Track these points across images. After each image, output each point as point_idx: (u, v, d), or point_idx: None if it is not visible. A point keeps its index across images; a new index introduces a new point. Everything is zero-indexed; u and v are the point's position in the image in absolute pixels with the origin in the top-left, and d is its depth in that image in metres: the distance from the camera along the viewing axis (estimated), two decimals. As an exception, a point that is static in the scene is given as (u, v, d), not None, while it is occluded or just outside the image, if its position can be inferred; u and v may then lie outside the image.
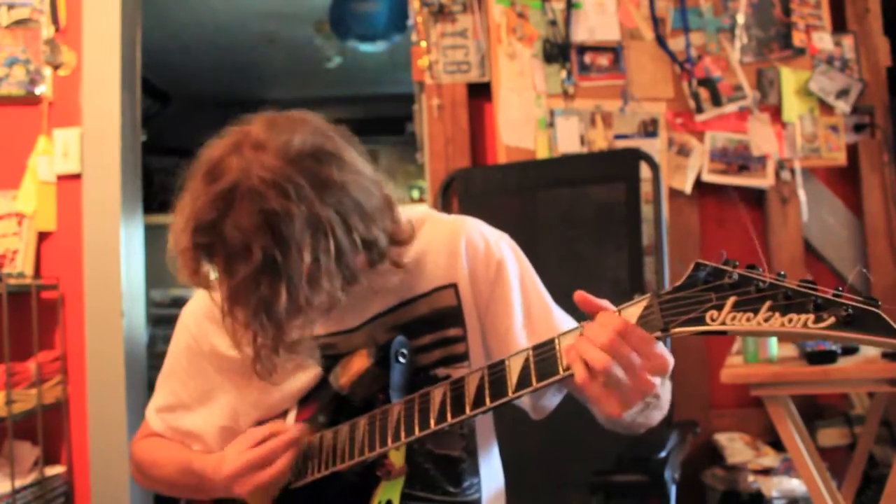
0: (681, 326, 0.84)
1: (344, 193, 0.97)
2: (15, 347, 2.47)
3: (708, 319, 0.82)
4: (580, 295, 0.91)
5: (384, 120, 5.36)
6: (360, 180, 1.01)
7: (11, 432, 2.44)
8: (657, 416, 1.07)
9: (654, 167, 2.26)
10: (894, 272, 2.62)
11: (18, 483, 2.41)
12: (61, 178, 2.70)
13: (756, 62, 2.69)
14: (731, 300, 0.80)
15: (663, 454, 1.69)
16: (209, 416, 1.26)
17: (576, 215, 2.27)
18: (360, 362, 1.11)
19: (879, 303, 0.73)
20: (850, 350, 1.95)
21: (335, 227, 0.95)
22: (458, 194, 2.43)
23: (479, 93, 2.74)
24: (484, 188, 2.42)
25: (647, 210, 2.30)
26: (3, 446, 2.56)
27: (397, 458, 1.11)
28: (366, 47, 4.12)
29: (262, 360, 1.02)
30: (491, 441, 1.27)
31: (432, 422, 1.01)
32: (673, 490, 1.67)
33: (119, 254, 2.69)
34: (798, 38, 2.68)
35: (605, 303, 0.91)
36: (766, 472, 2.40)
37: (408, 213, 1.15)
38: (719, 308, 0.81)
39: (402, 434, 1.04)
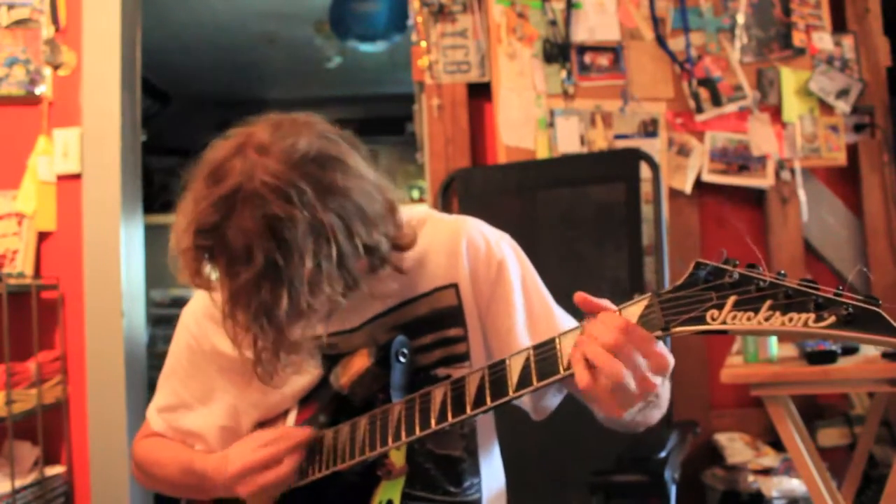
0: (682, 326, 0.84)
1: (347, 199, 0.97)
2: (15, 347, 2.48)
3: (709, 319, 0.82)
4: (580, 296, 0.91)
5: (384, 120, 5.36)
6: (364, 185, 1.01)
7: (11, 432, 2.44)
8: (656, 414, 1.07)
9: (654, 167, 2.26)
10: (894, 272, 2.62)
11: (18, 483, 2.41)
12: (61, 178, 2.70)
13: (756, 62, 2.69)
14: (732, 299, 0.81)
15: (663, 454, 1.69)
16: (210, 415, 1.26)
17: (576, 215, 2.27)
18: (360, 362, 1.11)
19: (880, 302, 0.73)
20: (850, 350, 1.95)
21: (337, 233, 0.95)
22: (458, 194, 2.43)
23: (479, 93, 2.74)
24: (484, 188, 2.43)
25: (647, 210, 2.30)
26: (3, 446, 2.56)
27: (398, 457, 1.11)
28: (366, 47, 4.12)
29: (262, 364, 1.02)
30: (492, 441, 1.27)
31: (433, 421, 1.01)
32: (673, 490, 1.67)
33: (119, 254, 2.69)
34: (798, 38, 2.68)
35: (605, 303, 0.91)
36: (766, 472, 2.40)
37: (408, 213, 1.14)
38: (720, 307, 0.81)
39: (403, 434, 1.04)
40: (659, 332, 0.86)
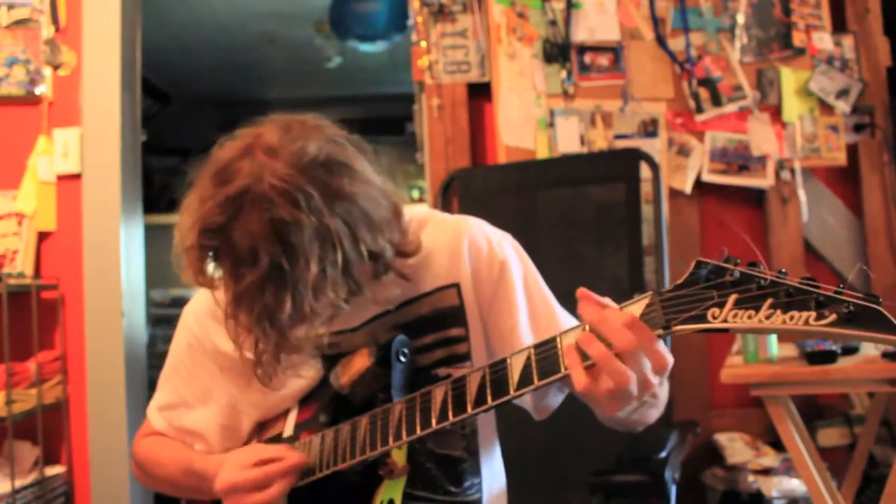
0: (683, 324, 0.84)
1: (353, 204, 0.97)
2: (15, 347, 2.48)
3: (710, 317, 0.81)
4: (582, 291, 0.90)
5: (384, 120, 5.36)
6: (370, 191, 1.00)
7: (11, 432, 2.44)
8: (654, 414, 1.07)
9: (654, 167, 2.26)
10: (894, 272, 2.62)
11: (18, 483, 2.41)
12: (61, 178, 2.70)
13: (756, 62, 2.69)
14: (733, 298, 0.80)
15: (663, 454, 1.69)
16: (210, 415, 1.26)
17: (576, 215, 2.27)
18: (360, 362, 1.11)
19: (881, 300, 0.73)
20: (850, 350, 1.95)
21: (343, 239, 0.95)
22: (458, 194, 2.43)
23: (479, 93, 2.74)
24: (484, 188, 2.42)
25: (647, 210, 2.30)
26: (3, 446, 2.56)
27: (399, 457, 1.11)
28: (366, 47, 4.12)
29: (262, 366, 1.02)
30: (493, 441, 1.27)
31: (434, 421, 1.01)
32: (673, 490, 1.67)
33: (119, 254, 2.69)
34: (798, 38, 2.68)
35: (606, 300, 0.91)
36: (766, 472, 2.40)
37: (410, 213, 1.14)
38: (721, 306, 0.81)
39: (404, 433, 1.04)
40: (660, 331, 0.85)
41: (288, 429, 1.20)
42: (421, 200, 5.33)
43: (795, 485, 2.32)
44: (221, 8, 4.39)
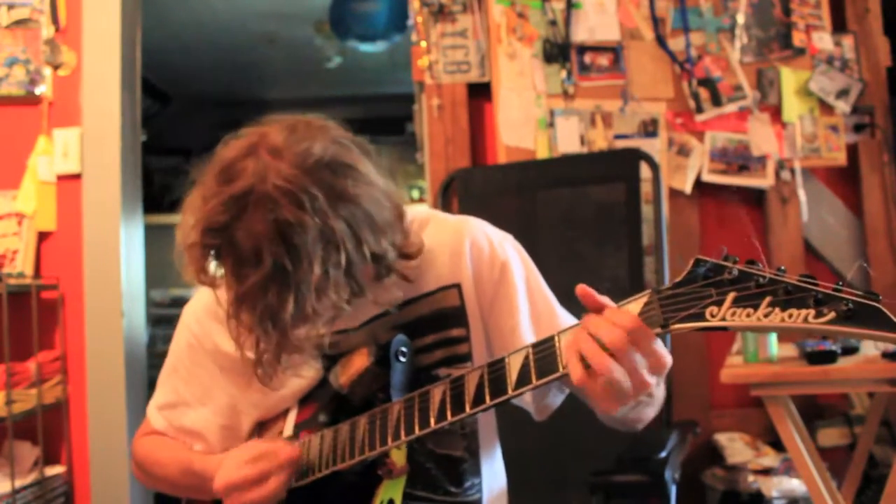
0: (681, 322, 0.83)
1: (357, 206, 0.97)
2: (15, 347, 2.47)
3: (708, 315, 0.81)
4: (582, 288, 0.90)
5: (384, 120, 5.36)
6: (374, 193, 1.00)
7: (11, 432, 2.44)
8: (650, 412, 1.07)
9: (654, 167, 2.26)
10: (894, 272, 2.62)
11: (18, 483, 2.41)
12: (61, 178, 2.70)
13: (756, 62, 2.69)
14: (731, 296, 0.80)
15: (663, 454, 1.69)
16: (210, 414, 1.26)
17: (576, 215, 2.27)
18: (360, 361, 1.11)
19: (880, 297, 0.73)
20: (850, 350, 1.95)
21: (346, 241, 0.95)
22: (458, 194, 2.43)
23: (479, 93, 2.74)
24: (484, 188, 2.42)
25: (647, 210, 2.30)
26: (3, 446, 2.56)
27: (399, 457, 1.11)
28: (366, 47, 4.12)
29: (263, 366, 1.02)
30: (493, 441, 1.27)
31: (432, 420, 1.01)
32: (673, 490, 1.67)
33: (119, 254, 2.69)
34: (798, 38, 2.68)
35: (605, 299, 0.91)
36: (766, 472, 2.40)
37: (411, 213, 1.14)
38: (719, 304, 0.81)
39: (403, 433, 1.04)
40: (658, 329, 0.85)
41: (287, 428, 1.20)
42: (421, 200, 5.33)
43: (795, 485, 2.32)
44: (221, 8, 4.39)
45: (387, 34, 3.98)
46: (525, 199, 2.33)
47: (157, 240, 2.97)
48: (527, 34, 2.69)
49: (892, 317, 0.72)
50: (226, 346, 1.21)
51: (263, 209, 0.93)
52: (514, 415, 1.23)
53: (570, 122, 2.65)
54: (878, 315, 0.73)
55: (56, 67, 2.72)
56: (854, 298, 0.74)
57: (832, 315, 0.74)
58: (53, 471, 2.59)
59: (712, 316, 0.81)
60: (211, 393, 1.26)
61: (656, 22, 2.69)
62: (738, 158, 2.65)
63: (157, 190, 5.40)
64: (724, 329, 0.81)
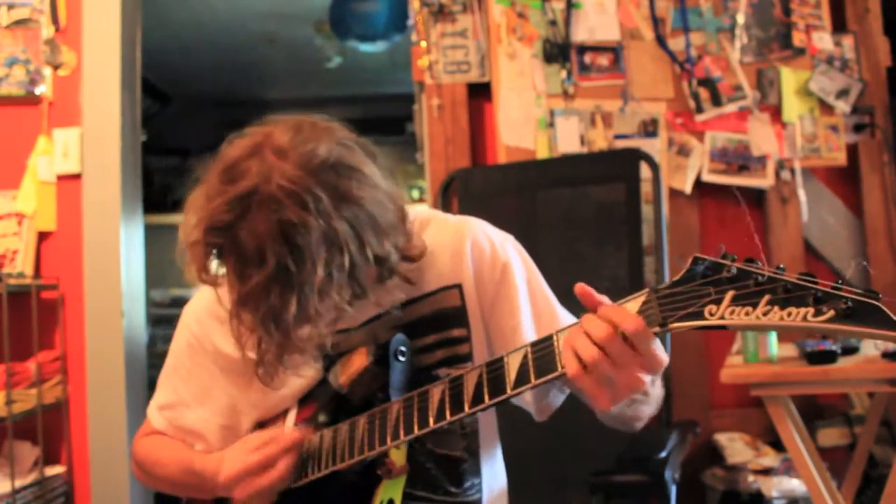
0: (679, 321, 0.83)
1: (361, 208, 0.97)
2: (15, 347, 2.47)
3: (706, 314, 0.81)
4: (581, 287, 0.90)
5: (384, 120, 5.36)
6: (378, 195, 1.00)
7: (11, 432, 2.44)
8: (648, 410, 1.07)
9: (654, 167, 2.26)
10: (894, 272, 2.62)
11: (18, 483, 2.41)
12: (61, 178, 2.70)
13: (756, 62, 2.69)
14: (730, 294, 0.80)
15: (663, 454, 1.69)
16: (210, 414, 1.26)
17: (576, 215, 2.27)
18: (359, 361, 1.11)
19: (879, 295, 0.73)
20: (850, 350, 1.95)
21: (349, 242, 0.95)
22: (458, 194, 2.43)
23: (479, 93, 2.74)
24: (484, 188, 2.42)
25: (647, 210, 2.30)
26: (3, 446, 2.56)
27: (398, 456, 1.11)
28: (366, 47, 4.12)
29: (264, 366, 1.02)
30: (494, 442, 1.27)
31: (431, 420, 1.01)
32: (673, 490, 1.67)
33: (119, 254, 2.70)
34: (798, 38, 2.68)
35: (604, 298, 0.91)
36: (766, 472, 2.39)
37: (412, 213, 1.14)
38: (718, 302, 0.81)
39: (402, 432, 1.04)
40: (657, 328, 0.85)
41: (287, 428, 1.20)
42: (421, 200, 5.33)
43: (795, 485, 2.32)
44: (221, 8, 4.39)
45: (387, 34, 3.98)
46: (525, 199, 2.33)
47: (157, 240, 2.97)
48: (527, 34, 2.69)
49: (892, 315, 0.72)
50: (225, 347, 1.21)
51: (267, 209, 0.93)
52: (514, 415, 1.23)
53: (570, 122, 2.65)
54: (878, 313, 0.73)
55: (56, 67, 2.72)
56: (853, 297, 0.73)
57: (831, 313, 0.74)
58: (53, 471, 2.59)
59: (711, 314, 0.81)
60: (211, 393, 1.26)
61: (656, 22, 2.69)
62: (738, 158, 2.65)
63: (157, 190, 5.40)
64: (722, 328, 0.81)
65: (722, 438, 2.56)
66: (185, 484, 1.24)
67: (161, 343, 4.67)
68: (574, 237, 2.24)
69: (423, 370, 1.15)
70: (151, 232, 3.08)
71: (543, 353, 0.94)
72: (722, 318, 0.80)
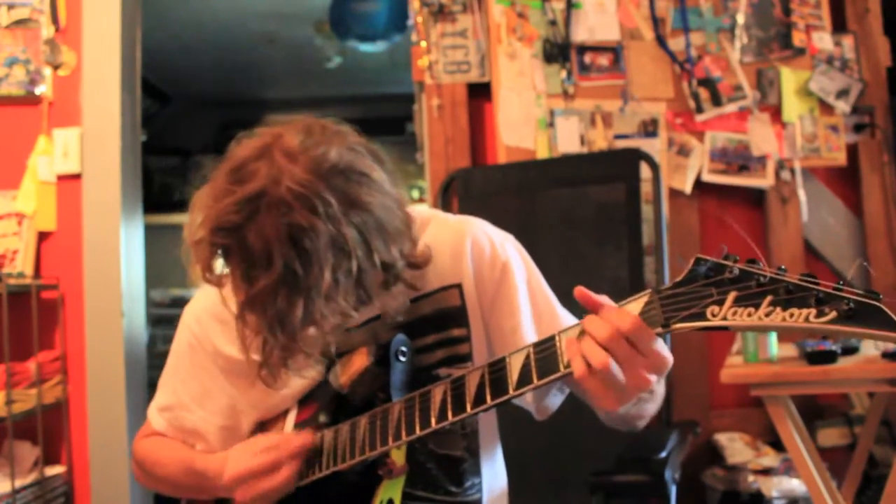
0: (682, 322, 0.83)
1: (369, 214, 0.96)
2: (15, 347, 2.47)
3: (709, 315, 0.81)
4: (580, 290, 0.90)
5: (384, 120, 5.35)
6: (386, 201, 1.00)
7: (11, 432, 2.44)
8: (651, 408, 1.07)
9: (654, 167, 2.26)
10: (894, 272, 2.62)
11: (18, 483, 2.41)
12: (61, 178, 2.70)
13: (756, 62, 2.69)
14: (732, 295, 0.80)
15: (663, 454, 1.69)
16: (210, 415, 1.25)
17: (576, 215, 2.27)
18: (359, 361, 1.11)
19: (881, 296, 0.73)
20: (850, 350, 1.95)
21: (357, 248, 0.94)
22: (458, 194, 2.43)
23: (479, 93, 2.74)
24: (484, 188, 2.42)
25: (647, 210, 2.30)
26: (3, 446, 2.56)
27: (398, 456, 1.11)
28: (366, 47, 4.12)
29: (269, 368, 1.02)
30: (494, 441, 1.27)
31: (433, 420, 1.01)
32: (673, 490, 1.67)
33: (119, 254, 2.69)
34: (798, 38, 2.68)
35: (604, 298, 0.91)
36: (766, 472, 2.40)
37: (413, 213, 1.14)
38: (720, 303, 0.81)
39: (403, 433, 1.03)
40: (659, 329, 0.85)
41: (287, 429, 1.20)
42: (421, 200, 5.33)
43: (795, 485, 2.32)
44: (221, 8, 4.39)
45: (387, 34, 3.98)
46: (525, 199, 2.33)
47: (157, 240, 2.98)
48: (527, 34, 2.69)
49: (894, 316, 0.72)
50: (225, 348, 1.21)
51: (276, 212, 0.92)
52: (514, 415, 1.23)
53: (570, 122, 2.65)
54: (880, 314, 0.73)
55: (56, 67, 2.72)
56: (855, 298, 0.74)
57: (833, 314, 0.74)
58: (53, 471, 2.59)
59: (713, 315, 0.81)
60: (210, 393, 1.26)
61: (656, 22, 2.69)
62: (738, 158, 2.65)
63: (157, 190, 5.40)
64: (725, 329, 0.81)
65: (722, 438, 2.56)
66: (186, 484, 1.24)
67: (161, 343, 4.67)
68: (574, 237, 2.24)
69: (423, 370, 1.15)
70: (151, 232, 3.08)
71: (546, 353, 0.94)
72: (724, 318, 0.80)
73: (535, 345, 0.96)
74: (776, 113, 2.67)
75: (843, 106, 2.65)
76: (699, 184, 2.66)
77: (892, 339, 0.73)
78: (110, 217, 2.69)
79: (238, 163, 0.97)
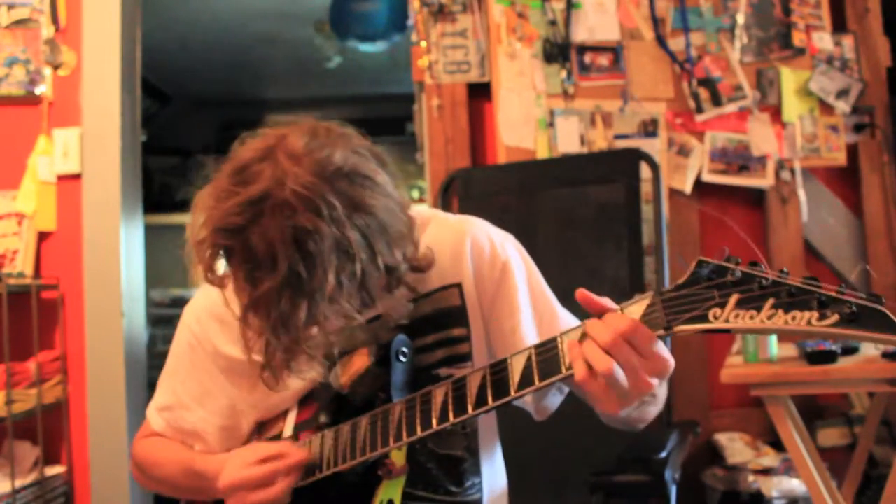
0: (684, 325, 0.83)
1: (373, 217, 0.96)
2: (15, 347, 2.47)
3: (711, 317, 0.81)
4: (582, 293, 0.90)
5: (384, 120, 5.35)
6: (389, 204, 0.99)
7: (11, 432, 2.44)
8: (653, 410, 1.07)
9: (654, 167, 2.26)
10: (894, 272, 2.62)
11: (18, 483, 2.41)
12: (61, 178, 2.70)
13: (756, 62, 2.69)
14: (734, 298, 0.80)
15: (663, 454, 1.69)
16: (209, 415, 1.25)
17: (576, 215, 2.27)
18: (360, 361, 1.11)
19: (883, 300, 0.73)
20: (850, 350, 1.95)
21: (361, 251, 0.94)
22: (458, 194, 2.43)
23: (479, 93, 2.75)
24: (484, 188, 2.42)
25: (647, 210, 2.30)
26: (3, 446, 2.56)
27: (398, 457, 1.11)
28: (366, 47, 4.11)
29: (271, 369, 1.01)
30: (494, 441, 1.27)
31: (434, 421, 1.01)
32: (673, 490, 1.67)
33: (119, 254, 2.69)
34: (798, 38, 2.68)
35: (606, 301, 0.91)
36: (766, 472, 2.40)
37: (413, 212, 1.14)
38: (722, 306, 0.81)
39: (404, 434, 1.03)
40: (661, 332, 0.85)
41: (287, 429, 1.20)
42: (421, 200, 5.33)
43: (795, 485, 2.32)
44: (221, 8, 4.38)
45: (387, 34, 3.98)
46: (525, 199, 2.33)
47: (157, 240, 2.98)
48: (527, 34, 2.69)
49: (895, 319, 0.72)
50: (225, 349, 1.21)
51: (280, 215, 0.92)
52: (514, 415, 1.23)
53: (570, 122, 2.65)
54: (882, 318, 0.73)
55: (56, 67, 2.72)
56: (857, 301, 0.74)
57: (835, 318, 0.75)
58: (53, 471, 2.59)
59: (715, 318, 0.81)
60: (210, 394, 1.25)
61: (656, 22, 2.69)
62: (738, 158, 2.65)
63: (157, 190, 5.40)
64: (727, 331, 0.81)
65: (722, 438, 2.56)
66: (186, 485, 1.24)
67: (161, 343, 4.66)
68: (574, 237, 2.24)
69: (423, 370, 1.15)
70: (151, 232, 3.08)
71: (547, 355, 0.94)
72: (727, 321, 0.80)
73: (537, 346, 0.96)
74: (776, 113, 2.67)
75: (843, 106, 2.65)
76: (699, 184, 2.66)
77: (895, 343, 0.73)
78: (110, 217, 2.69)
79: (242, 164, 0.96)
